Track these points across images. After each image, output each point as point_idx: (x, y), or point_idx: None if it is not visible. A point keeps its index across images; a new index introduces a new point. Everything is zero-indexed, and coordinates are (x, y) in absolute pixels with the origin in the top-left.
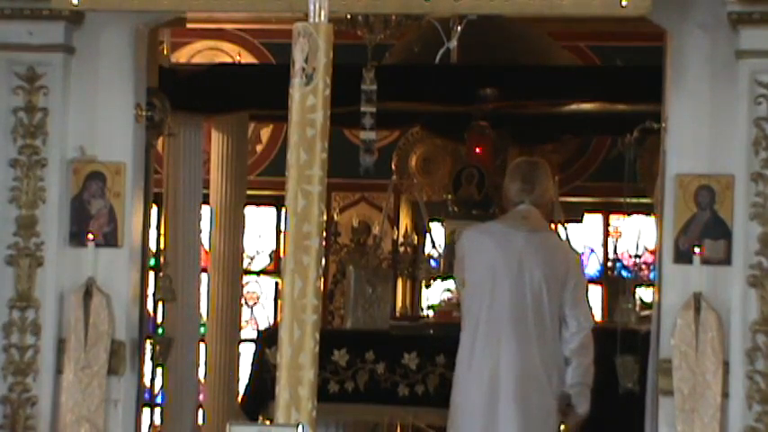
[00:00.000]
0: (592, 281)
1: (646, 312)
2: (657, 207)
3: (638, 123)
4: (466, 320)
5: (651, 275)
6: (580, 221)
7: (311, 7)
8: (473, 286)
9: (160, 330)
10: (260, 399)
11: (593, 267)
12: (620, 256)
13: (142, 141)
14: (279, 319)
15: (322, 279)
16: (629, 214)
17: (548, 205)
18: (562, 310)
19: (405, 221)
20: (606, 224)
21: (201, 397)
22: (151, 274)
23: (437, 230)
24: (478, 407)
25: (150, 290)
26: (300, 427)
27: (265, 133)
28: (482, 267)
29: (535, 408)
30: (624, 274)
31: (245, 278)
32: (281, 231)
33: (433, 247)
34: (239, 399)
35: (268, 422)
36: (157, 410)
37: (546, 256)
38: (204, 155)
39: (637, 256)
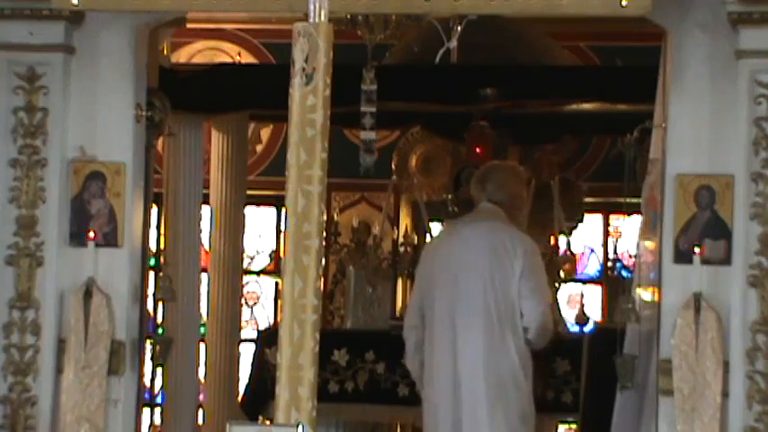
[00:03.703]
0: (592, 281)
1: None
2: (643, 206)
3: (638, 123)
4: (426, 318)
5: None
6: (580, 221)
7: (311, 7)
8: (428, 282)
9: (160, 330)
10: (260, 399)
11: (593, 267)
12: (620, 256)
13: (142, 141)
14: (279, 319)
15: (322, 279)
16: (629, 214)
17: (509, 202)
18: (519, 300)
19: (405, 221)
20: (606, 224)
21: (201, 397)
22: (151, 274)
23: (437, 230)
24: (445, 410)
25: (150, 290)
26: (300, 427)
27: (265, 133)
28: (435, 263)
29: (509, 409)
30: (624, 274)
31: (245, 278)
32: (281, 231)
33: None
34: (239, 399)
35: (268, 422)
36: (157, 410)
37: (493, 245)
38: (204, 155)
39: (637, 255)
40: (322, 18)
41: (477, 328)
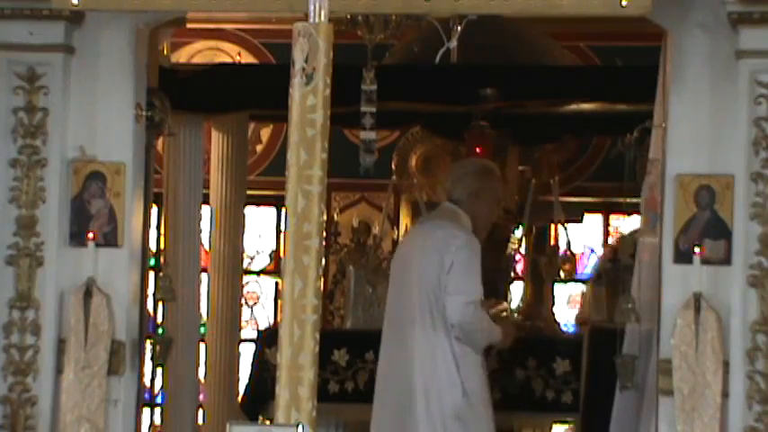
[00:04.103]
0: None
1: None
2: (643, 207)
3: (638, 123)
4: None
5: None
6: (580, 221)
7: (311, 7)
8: (390, 286)
9: (160, 330)
10: (260, 399)
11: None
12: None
13: (142, 141)
14: (279, 319)
15: (322, 279)
16: (629, 214)
17: (468, 199)
18: (443, 296)
19: (405, 221)
20: (606, 224)
21: (201, 397)
22: (151, 274)
23: None
24: (388, 406)
25: (150, 290)
26: (300, 427)
27: (265, 133)
28: (392, 267)
29: (443, 407)
30: None
31: (245, 278)
32: (281, 231)
33: None
34: (239, 399)
35: (268, 422)
36: (157, 410)
37: (431, 244)
38: (204, 155)
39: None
40: (322, 18)
41: (414, 327)
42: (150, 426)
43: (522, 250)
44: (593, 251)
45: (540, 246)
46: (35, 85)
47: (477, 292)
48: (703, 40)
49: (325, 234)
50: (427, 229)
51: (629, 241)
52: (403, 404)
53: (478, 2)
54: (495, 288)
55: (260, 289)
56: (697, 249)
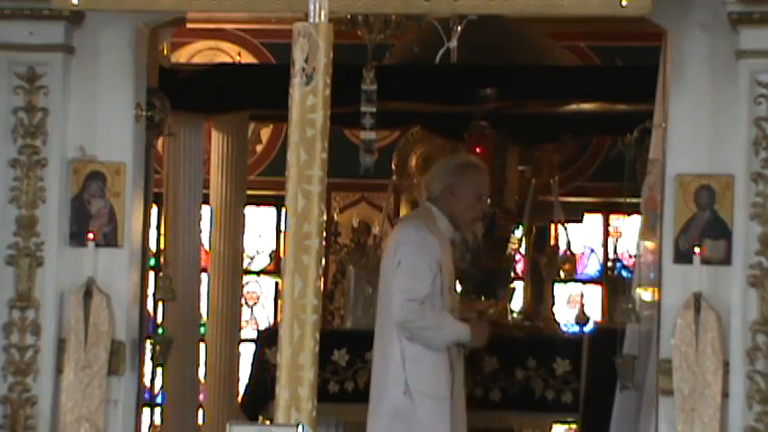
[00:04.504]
0: (592, 281)
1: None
2: (643, 207)
3: (638, 123)
4: None
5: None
6: (580, 221)
7: (311, 7)
8: None
9: (160, 330)
10: (260, 399)
11: (593, 267)
12: (620, 256)
13: (142, 141)
14: (279, 319)
15: (322, 279)
16: (629, 214)
17: (441, 195)
18: None
19: None
20: (606, 224)
21: (201, 397)
22: (151, 274)
23: None
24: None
25: (150, 290)
26: (300, 427)
27: (265, 133)
28: None
29: (387, 404)
30: (624, 274)
31: (245, 278)
32: (281, 231)
33: None
34: (239, 399)
35: (268, 422)
36: (157, 410)
37: (391, 243)
38: (204, 155)
39: (637, 255)
40: (322, 18)
41: (378, 327)
42: (150, 426)
43: (522, 250)
44: (593, 251)
45: (540, 246)
46: (35, 85)
47: (421, 291)
48: (703, 40)
49: (325, 234)
50: (395, 230)
51: None
52: (369, 403)
53: (478, 2)
54: (494, 288)
55: (260, 289)
56: (697, 249)
